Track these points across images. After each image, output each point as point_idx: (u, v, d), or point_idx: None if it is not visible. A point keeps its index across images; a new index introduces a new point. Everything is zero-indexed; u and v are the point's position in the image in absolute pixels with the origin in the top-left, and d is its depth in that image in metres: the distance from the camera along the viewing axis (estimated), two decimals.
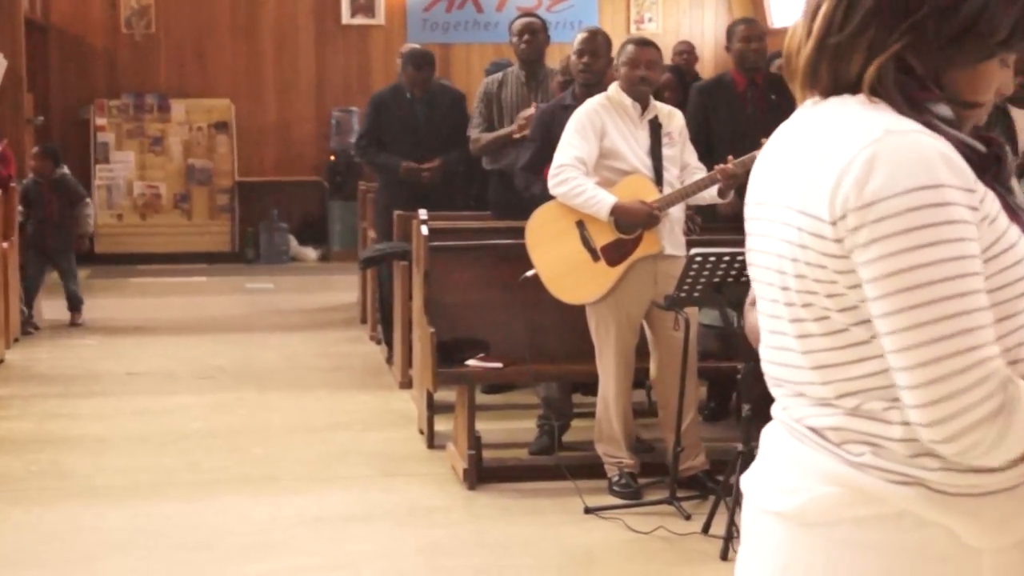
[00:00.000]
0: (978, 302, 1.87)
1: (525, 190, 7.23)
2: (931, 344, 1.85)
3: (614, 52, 6.77)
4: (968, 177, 1.89)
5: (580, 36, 7.03)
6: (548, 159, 6.77)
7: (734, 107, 7.92)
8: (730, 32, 8.25)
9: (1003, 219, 1.94)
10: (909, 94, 1.96)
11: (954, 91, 2.01)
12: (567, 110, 7.08)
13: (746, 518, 2.18)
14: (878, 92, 1.97)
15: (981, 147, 1.97)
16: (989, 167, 1.97)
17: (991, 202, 1.93)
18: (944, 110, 1.98)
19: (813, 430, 2.04)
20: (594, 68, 6.90)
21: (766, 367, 2.15)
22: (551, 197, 6.54)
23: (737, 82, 8.05)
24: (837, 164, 1.90)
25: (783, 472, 2.09)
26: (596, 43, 6.85)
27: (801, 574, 2.04)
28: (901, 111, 1.95)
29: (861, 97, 1.98)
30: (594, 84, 6.75)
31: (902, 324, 1.87)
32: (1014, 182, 2.02)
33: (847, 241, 1.89)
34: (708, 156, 6.81)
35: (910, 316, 1.86)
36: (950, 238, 1.85)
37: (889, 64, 1.97)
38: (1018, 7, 1.99)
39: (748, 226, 2.16)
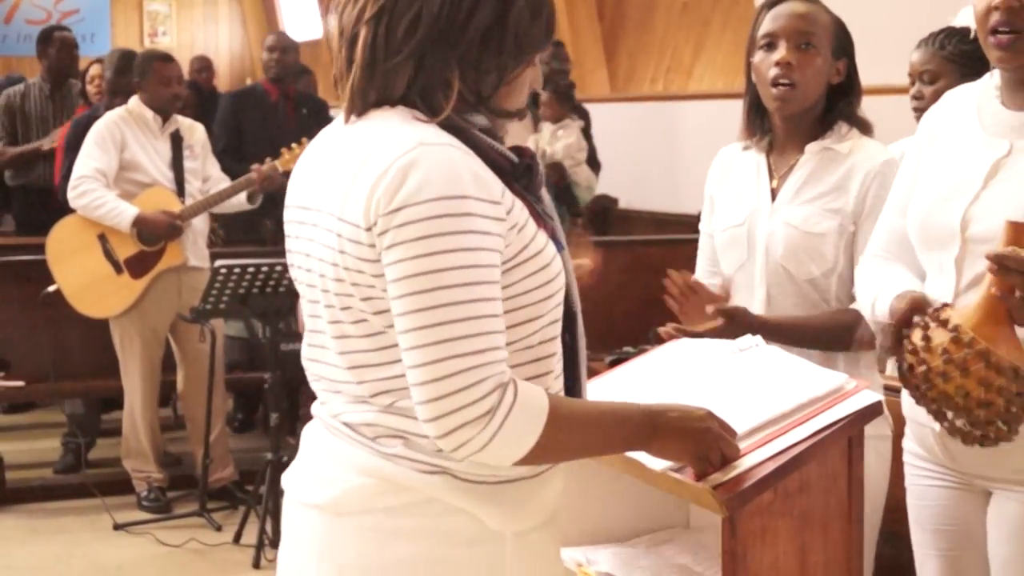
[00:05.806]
0: (485, 309, 1.98)
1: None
2: (434, 346, 1.96)
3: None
4: (494, 190, 2.01)
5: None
6: None
7: (266, 117, 8.00)
8: (267, 45, 8.33)
9: (531, 227, 2.07)
10: (447, 108, 2.06)
11: (497, 104, 2.13)
12: None
13: (286, 512, 2.26)
14: (419, 107, 2.07)
15: (514, 157, 2.10)
16: (521, 177, 2.10)
17: (519, 211, 2.05)
18: (481, 120, 2.11)
19: (348, 426, 2.13)
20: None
21: (306, 363, 2.23)
22: None
23: (269, 92, 8.15)
24: (373, 173, 1.99)
25: (320, 466, 2.17)
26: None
27: (335, 563, 2.12)
28: (440, 125, 2.05)
29: (402, 111, 2.07)
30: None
31: (411, 325, 1.98)
32: (543, 191, 2.17)
33: (378, 245, 1.99)
34: (240, 164, 6.86)
35: (418, 318, 1.97)
36: (466, 247, 1.96)
37: (433, 82, 2.06)
38: (545, 17, 2.14)
39: (288, 228, 2.23)
